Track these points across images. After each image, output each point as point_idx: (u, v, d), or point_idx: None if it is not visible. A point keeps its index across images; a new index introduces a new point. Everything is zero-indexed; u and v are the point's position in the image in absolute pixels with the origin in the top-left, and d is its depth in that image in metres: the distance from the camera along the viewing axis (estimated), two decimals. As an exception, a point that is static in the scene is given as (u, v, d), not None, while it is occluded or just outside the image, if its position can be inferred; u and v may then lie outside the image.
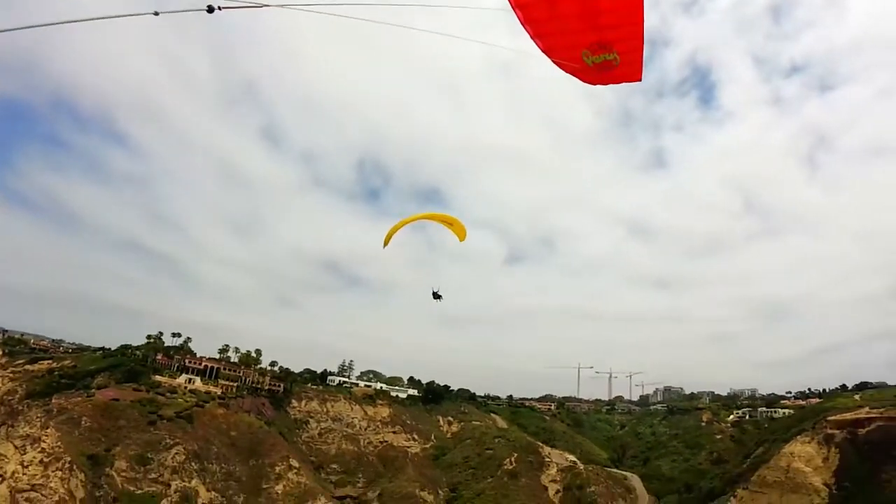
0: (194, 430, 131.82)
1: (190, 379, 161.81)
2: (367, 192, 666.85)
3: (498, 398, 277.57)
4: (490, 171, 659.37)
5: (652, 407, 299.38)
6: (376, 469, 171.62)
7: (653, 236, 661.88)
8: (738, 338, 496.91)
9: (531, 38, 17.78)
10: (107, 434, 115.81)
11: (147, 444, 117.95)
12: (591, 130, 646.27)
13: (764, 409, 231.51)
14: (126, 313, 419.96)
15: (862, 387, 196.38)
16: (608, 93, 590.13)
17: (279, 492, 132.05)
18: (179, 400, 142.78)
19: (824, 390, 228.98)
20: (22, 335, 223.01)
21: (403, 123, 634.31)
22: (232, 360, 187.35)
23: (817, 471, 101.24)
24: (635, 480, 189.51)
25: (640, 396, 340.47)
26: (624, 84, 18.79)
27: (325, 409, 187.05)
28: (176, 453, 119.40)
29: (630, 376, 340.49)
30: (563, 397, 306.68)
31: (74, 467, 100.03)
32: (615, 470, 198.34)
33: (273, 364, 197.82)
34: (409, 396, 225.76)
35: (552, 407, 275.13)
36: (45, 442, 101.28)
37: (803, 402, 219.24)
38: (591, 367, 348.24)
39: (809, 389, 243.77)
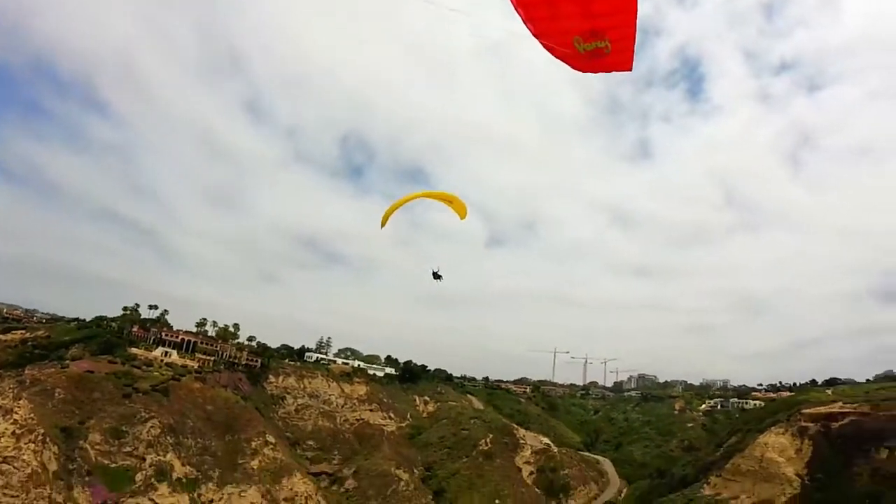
0: (170, 403, 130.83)
1: (166, 352, 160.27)
2: (351, 169, 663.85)
3: (474, 379, 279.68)
4: (476, 152, 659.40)
5: (626, 393, 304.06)
6: (352, 446, 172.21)
7: (635, 225, 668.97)
8: (714, 329, 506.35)
9: (523, 21, 17.56)
10: (81, 406, 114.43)
11: (122, 417, 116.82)
12: (580, 117, 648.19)
13: (735, 399, 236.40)
14: (102, 284, 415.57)
15: (832, 382, 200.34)
16: (597, 80, 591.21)
17: (255, 467, 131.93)
18: (155, 373, 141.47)
19: (795, 384, 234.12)
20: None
21: (390, 101, 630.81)
22: (209, 335, 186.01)
23: (790, 461, 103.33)
24: (607, 465, 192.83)
25: (615, 383, 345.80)
26: (614, 73, 18.56)
27: (302, 386, 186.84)
28: (151, 427, 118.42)
29: (605, 363, 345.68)
30: (539, 381, 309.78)
31: (47, 440, 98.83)
32: (588, 454, 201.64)
33: (251, 339, 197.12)
34: (386, 375, 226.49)
35: (527, 390, 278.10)
36: (17, 413, 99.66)
37: (774, 395, 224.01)
38: (567, 353, 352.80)
39: (780, 383, 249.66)
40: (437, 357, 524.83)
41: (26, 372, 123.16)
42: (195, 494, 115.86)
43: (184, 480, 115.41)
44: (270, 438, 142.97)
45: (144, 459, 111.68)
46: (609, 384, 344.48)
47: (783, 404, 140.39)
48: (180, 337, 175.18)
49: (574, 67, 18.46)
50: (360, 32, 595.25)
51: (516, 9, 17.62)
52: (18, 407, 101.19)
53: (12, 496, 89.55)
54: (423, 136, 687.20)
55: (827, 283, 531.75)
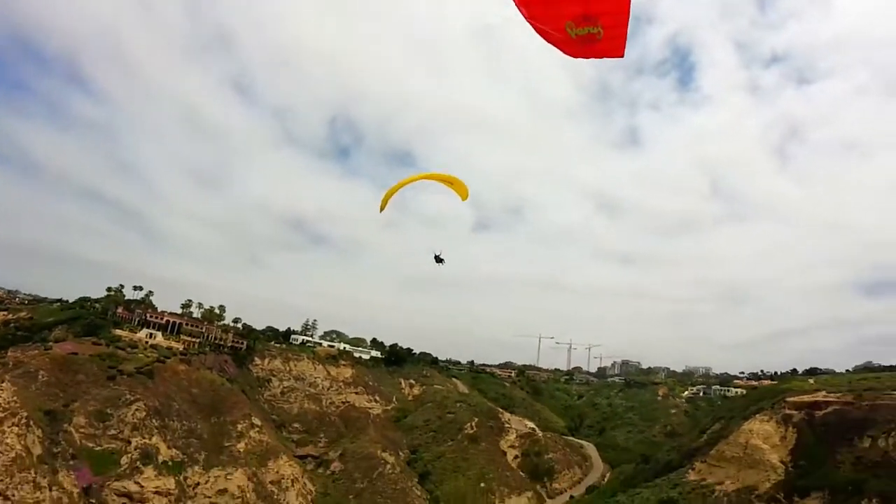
0: (155, 386, 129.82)
1: (151, 334, 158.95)
2: (338, 151, 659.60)
3: (459, 363, 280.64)
4: (465, 136, 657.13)
5: (609, 379, 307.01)
6: (338, 429, 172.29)
7: (622, 213, 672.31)
8: (697, 318, 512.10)
9: (515, 4, 17.04)
10: (65, 389, 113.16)
11: (106, 399, 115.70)
12: (570, 103, 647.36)
13: (717, 387, 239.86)
14: (86, 265, 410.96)
15: (812, 372, 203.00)
16: (588, 66, 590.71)
17: (241, 450, 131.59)
18: (140, 355, 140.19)
19: (776, 373, 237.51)
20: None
21: (380, 83, 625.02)
22: (194, 316, 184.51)
23: (775, 448, 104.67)
24: (591, 449, 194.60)
25: (598, 368, 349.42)
26: (605, 59, 18.32)
27: (287, 368, 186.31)
28: (136, 410, 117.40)
29: (589, 348, 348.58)
30: (524, 365, 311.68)
31: (31, 423, 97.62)
32: (572, 438, 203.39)
33: (236, 321, 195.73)
34: (372, 358, 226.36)
35: (512, 374, 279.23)
36: (0, 396, 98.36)
37: (755, 383, 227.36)
38: (552, 338, 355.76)
39: (762, 371, 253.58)
40: (422, 340, 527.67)
41: (9, 354, 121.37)
42: (181, 477, 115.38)
43: (169, 463, 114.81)
44: (256, 421, 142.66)
45: (130, 442, 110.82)
46: (593, 370, 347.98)
47: (767, 392, 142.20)
48: (165, 318, 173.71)
49: (566, 52, 18.11)
50: (351, 13, 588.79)
51: None
52: (1, 390, 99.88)
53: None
54: (413, 119, 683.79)
55: (809, 274, 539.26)
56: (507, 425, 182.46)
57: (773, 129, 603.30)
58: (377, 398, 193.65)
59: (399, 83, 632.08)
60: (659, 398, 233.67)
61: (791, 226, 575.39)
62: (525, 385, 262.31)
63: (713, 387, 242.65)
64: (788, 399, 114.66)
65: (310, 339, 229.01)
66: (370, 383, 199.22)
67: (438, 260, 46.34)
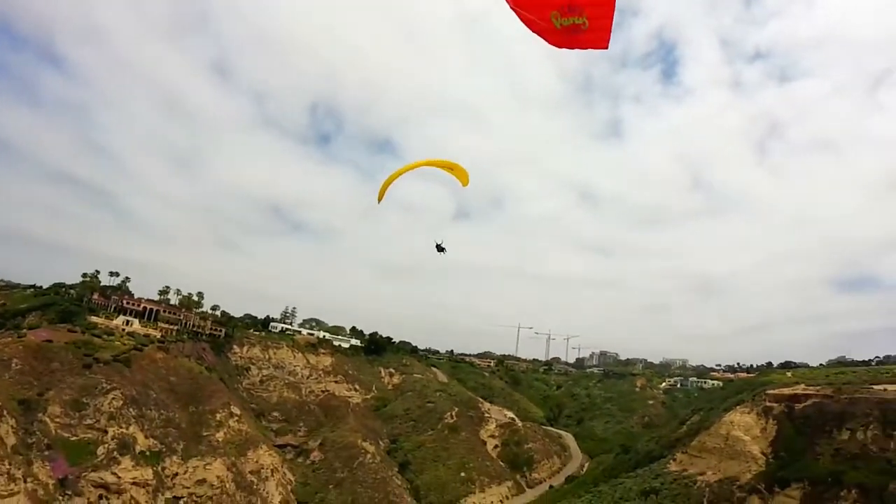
0: (132, 374, 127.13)
1: (128, 321, 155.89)
2: (318, 137, 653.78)
3: (438, 352, 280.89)
4: (446, 124, 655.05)
5: (588, 370, 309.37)
6: (317, 418, 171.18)
7: (600, 203, 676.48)
8: (673, 310, 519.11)
9: None
10: (39, 377, 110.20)
11: (82, 388, 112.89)
12: (553, 93, 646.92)
13: (695, 379, 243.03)
14: (60, 250, 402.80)
15: (787, 365, 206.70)
16: (573, 57, 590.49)
17: (219, 439, 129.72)
18: (117, 343, 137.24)
19: (752, 366, 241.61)
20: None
21: (362, 69, 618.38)
22: (172, 303, 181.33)
23: (755, 440, 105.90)
24: (570, 439, 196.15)
25: (577, 359, 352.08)
26: (589, 50, 18.33)
27: (266, 356, 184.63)
28: (113, 398, 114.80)
29: (567, 339, 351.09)
30: (503, 355, 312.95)
31: (4, 412, 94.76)
32: (551, 428, 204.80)
33: (215, 308, 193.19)
34: (352, 346, 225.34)
35: (492, 364, 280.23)
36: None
37: (732, 376, 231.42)
38: (531, 328, 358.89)
39: (738, 364, 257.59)
40: (402, 329, 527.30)
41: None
42: (159, 468, 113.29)
43: (147, 453, 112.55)
44: (235, 410, 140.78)
45: (106, 432, 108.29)
46: (571, 360, 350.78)
47: (747, 384, 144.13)
48: (142, 305, 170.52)
49: (550, 42, 18.07)
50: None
51: None
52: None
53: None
54: (394, 107, 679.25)
55: (783, 269, 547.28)
56: (486, 415, 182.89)
57: (752, 125, 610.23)
58: (357, 387, 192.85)
59: (381, 70, 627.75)
60: (637, 389, 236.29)
61: (766, 220, 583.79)
62: (504, 375, 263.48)
63: (690, 379, 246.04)
64: (769, 391, 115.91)
65: (289, 326, 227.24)
66: (350, 372, 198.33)
67: (440, 249, 46.08)
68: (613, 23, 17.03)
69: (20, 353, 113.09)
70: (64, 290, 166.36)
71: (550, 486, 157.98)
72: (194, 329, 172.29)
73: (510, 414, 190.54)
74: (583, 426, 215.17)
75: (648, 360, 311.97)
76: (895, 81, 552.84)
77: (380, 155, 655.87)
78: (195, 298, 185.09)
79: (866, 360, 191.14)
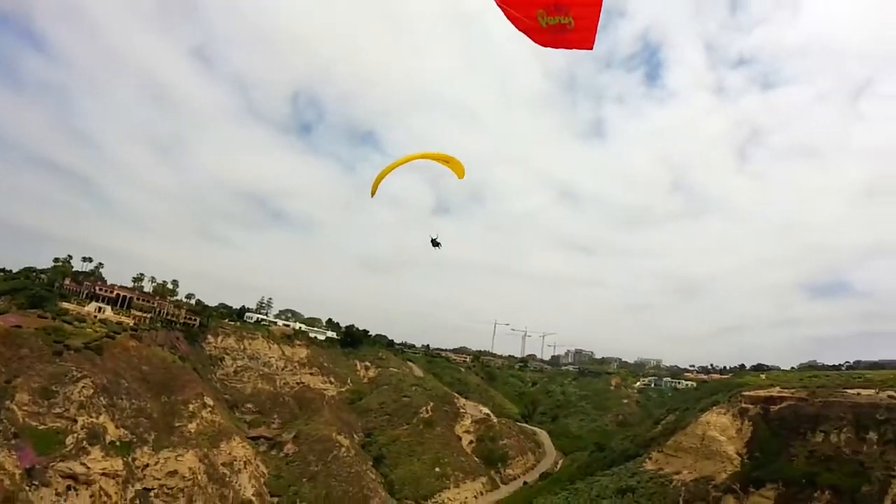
0: (103, 362, 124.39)
1: (100, 308, 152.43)
2: (300, 127, 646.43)
3: (414, 347, 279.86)
4: (429, 119, 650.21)
5: (563, 367, 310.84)
6: (292, 410, 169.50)
7: (582, 202, 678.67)
8: (649, 310, 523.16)
9: None
10: (7, 364, 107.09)
11: (52, 376, 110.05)
12: (538, 91, 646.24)
13: (669, 379, 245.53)
14: (31, 234, 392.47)
15: (759, 368, 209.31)
16: (558, 56, 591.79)
17: (192, 430, 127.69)
18: (88, 330, 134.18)
19: (725, 367, 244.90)
20: None
21: (347, 60, 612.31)
22: (146, 290, 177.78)
23: (731, 440, 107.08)
24: (544, 436, 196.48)
25: (552, 356, 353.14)
26: (574, 50, 18.50)
27: (241, 347, 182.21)
28: (83, 387, 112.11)
29: (543, 336, 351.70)
30: (478, 351, 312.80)
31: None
32: (525, 425, 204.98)
33: (189, 297, 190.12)
34: (328, 339, 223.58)
35: (467, 359, 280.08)
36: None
37: (705, 377, 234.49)
38: (508, 325, 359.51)
39: (712, 365, 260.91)
40: (378, 322, 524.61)
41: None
42: (130, 458, 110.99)
43: (118, 444, 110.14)
44: (208, 401, 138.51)
45: (76, 421, 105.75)
46: (547, 357, 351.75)
47: (722, 386, 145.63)
48: (115, 292, 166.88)
49: (535, 41, 18.14)
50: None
51: None
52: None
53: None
54: (378, 100, 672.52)
55: (758, 273, 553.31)
56: (462, 410, 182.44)
57: (735, 130, 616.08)
58: (332, 379, 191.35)
59: (365, 62, 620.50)
60: (612, 388, 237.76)
61: (743, 225, 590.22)
62: (480, 371, 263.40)
63: (664, 379, 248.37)
64: (744, 393, 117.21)
65: (264, 317, 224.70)
66: (325, 364, 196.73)
67: (435, 244, 45.30)
68: (599, 23, 17.16)
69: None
70: (34, 274, 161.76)
71: (524, 483, 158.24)
72: (168, 317, 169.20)
73: (485, 410, 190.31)
74: (557, 423, 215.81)
75: (623, 360, 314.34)
76: (876, 91, 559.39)
77: (362, 147, 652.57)
78: (170, 286, 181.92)
79: (836, 364, 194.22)
